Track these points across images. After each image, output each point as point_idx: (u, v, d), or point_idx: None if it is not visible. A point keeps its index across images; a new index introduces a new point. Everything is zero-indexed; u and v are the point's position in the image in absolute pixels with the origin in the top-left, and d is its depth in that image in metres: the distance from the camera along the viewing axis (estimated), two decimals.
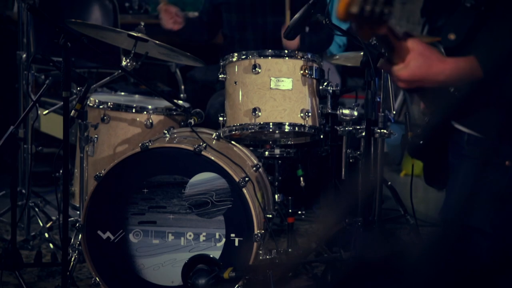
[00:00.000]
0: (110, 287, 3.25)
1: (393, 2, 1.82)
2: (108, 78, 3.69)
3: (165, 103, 3.77)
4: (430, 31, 5.55)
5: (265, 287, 3.05)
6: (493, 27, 2.01)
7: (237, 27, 4.37)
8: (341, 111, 3.49)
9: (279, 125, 3.47)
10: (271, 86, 3.47)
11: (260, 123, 3.47)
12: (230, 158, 3.31)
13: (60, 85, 3.12)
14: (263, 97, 3.47)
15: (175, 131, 3.58)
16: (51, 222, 4.01)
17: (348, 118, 3.50)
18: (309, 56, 3.53)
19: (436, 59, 1.99)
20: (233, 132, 3.54)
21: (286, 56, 3.51)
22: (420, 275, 2.09)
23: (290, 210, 3.50)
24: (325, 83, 3.53)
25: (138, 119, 3.69)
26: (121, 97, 4.08)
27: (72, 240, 3.48)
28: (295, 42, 4.06)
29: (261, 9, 4.29)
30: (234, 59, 3.54)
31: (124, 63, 3.59)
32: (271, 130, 3.52)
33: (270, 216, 3.44)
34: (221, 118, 3.56)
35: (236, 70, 3.54)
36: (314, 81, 3.53)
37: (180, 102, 3.87)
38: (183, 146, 3.27)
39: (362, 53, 3.37)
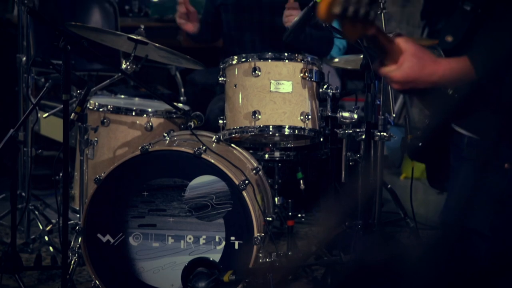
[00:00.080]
0: None
1: (377, 3, 1.81)
2: (108, 81, 3.69)
3: (165, 106, 3.77)
4: (430, 34, 5.55)
5: None
6: (488, 29, 2.02)
7: (235, 27, 4.36)
8: (341, 114, 3.49)
9: (279, 128, 3.47)
10: (271, 89, 3.47)
11: (260, 126, 3.47)
12: (230, 161, 3.31)
13: (60, 88, 3.12)
14: (263, 100, 3.47)
15: (175, 134, 3.58)
16: (51, 225, 4.00)
17: (348, 121, 3.50)
18: (309, 59, 3.53)
19: (429, 59, 2.00)
20: (233, 135, 3.53)
21: (286, 59, 3.51)
22: (420, 278, 2.09)
23: (290, 213, 3.50)
24: (325, 86, 3.53)
25: (138, 122, 3.69)
26: (121, 100, 4.08)
27: (72, 243, 3.48)
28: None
29: (259, 10, 4.29)
30: (234, 62, 3.54)
31: (124, 66, 3.60)
32: (271, 133, 3.51)
33: (270, 219, 3.44)
34: (221, 121, 3.56)
35: (236, 73, 3.54)
36: (314, 84, 3.53)
37: (180, 105, 3.87)
38: (183, 149, 3.27)
39: (362, 56, 3.38)
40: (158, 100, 3.97)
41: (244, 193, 3.18)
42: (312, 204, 4.52)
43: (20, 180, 4.07)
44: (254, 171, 3.50)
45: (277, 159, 3.87)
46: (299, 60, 3.51)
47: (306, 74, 3.49)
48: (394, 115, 4.24)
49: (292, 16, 3.91)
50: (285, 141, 3.78)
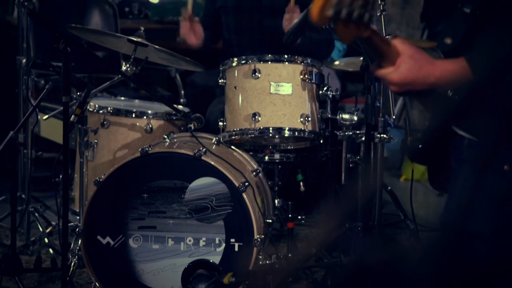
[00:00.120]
0: None
1: (374, 6, 1.80)
2: (108, 83, 3.68)
3: (165, 108, 3.77)
4: (430, 36, 5.55)
5: None
6: (487, 31, 2.02)
7: (235, 30, 4.37)
8: (341, 116, 3.48)
9: (279, 130, 3.47)
10: (271, 91, 3.47)
11: (260, 128, 3.47)
12: (230, 163, 3.31)
13: (60, 90, 3.12)
14: (263, 102, 3.47)
15: (175, 136, 3.58)
16: (51, 227, 4.01)
17: (348, 123, 3.50)
18: (309, 61, 3.53)
19: (426, 61, 2.00)
20: (233, 137, 3.53)
21: (285, 61, 3.51)
22: (420, 280, 2.09)
23: (290, 215, 3.50)
24: (325, 88, 3.53)
25: (138, 124, 3.69)
26: (121, 102, 4.08)
27: (72, 245, 3.48)
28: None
29: (258, 13, 4.29)
30: (234, 64, 3.54)
31: (124, 68, 3.59)
32: (271, 135, 3.51)
33: (270, 221, 3.44)
34: (221, 123, 3.56)
35: (236, 75, 3.54)
36: (314, 86, 3.53)
37: (180, 107, 3.88)
38: (183, 151, 3.27)
39: (361, 58, 3.38)
40: (158, 102, 3.97)
41: (244, 195, 3.18)
42: (312, 206, 4.52)
43: (20, 182, 4.07)
44: (254, 173, 3.50)
45: (277, 161, 3.87)
46: (299, 62, 3.51)
47: (306, 76, 3.49)
48: (394, 117, 4.23)
49: (292, 19, 3.92)
50: (285, 143, 3.78)
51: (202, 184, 3.22)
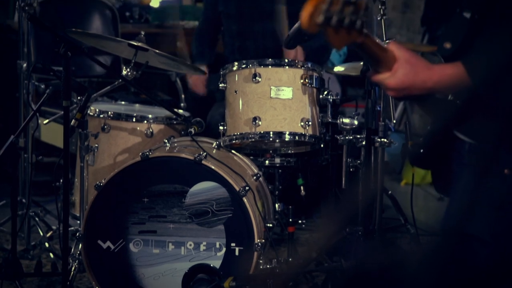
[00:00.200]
0: None
1: (366, 12, 1.77)
2: (109, 87, 3.69)
3: (165, 112, 3.77)
4: (430, 40, 5.55)
5: None
6: (485, 35, 2.02)
7: (237, 35, 4.37)
8: (341, 120, 3.48)
9: (279, 134, 3.47)
10: (271, 95, 3.47)
11: (260, 132, 3.47)
12: (230, 167, 3.31)
13: (61, 95, 3.12)
14: (263, 106, 3.47)
15: (175, 140, 3.58)
16: (51, 232, 4.00)
17: (348, 127, 3.50)
18: (309, 65, 3.53)
19: (423, 66, 2.00)
20: (234, 141, 3.53)
21: (286, 65, 3.51)
22: (420, 284, 2.08)
23: (290, 219, 3.49)
24: (325, 92, 3.53)
25: (138, 128, 3.69)
26: (121, 106, 4.08)
27: (72, 250, 3.48)
28: (294, 52, 4.08)
29: (260, 18, 4.30)
30: (234, 68, 3.54)
31: (124, 72, 3.60)
32: (271, 139, 3.51)
33: (271, 225, 3.44)
34: (221, 127, 3.56)
35: (236, 79, 3.54)
36: (314, 90, 3.53)
37: (181, 111, 3.88)
38: (183, 155, 3.27)
39: (362, 63, 3.38)
40: (159, 107, 3.97)
41: (245, 199, 3.18)
42: (313, 210, 4.52)
43: (21, 187, 4.07)
44: (255, 177, 3.50)
45: (277, 165, 3.87)
46: (299, 66, 3.51)
47: (307, 80, 3.49)
48: (394, 121, 4.24)
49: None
50: (285, 147, 3.78)
51: (202, 188, 3.22)
